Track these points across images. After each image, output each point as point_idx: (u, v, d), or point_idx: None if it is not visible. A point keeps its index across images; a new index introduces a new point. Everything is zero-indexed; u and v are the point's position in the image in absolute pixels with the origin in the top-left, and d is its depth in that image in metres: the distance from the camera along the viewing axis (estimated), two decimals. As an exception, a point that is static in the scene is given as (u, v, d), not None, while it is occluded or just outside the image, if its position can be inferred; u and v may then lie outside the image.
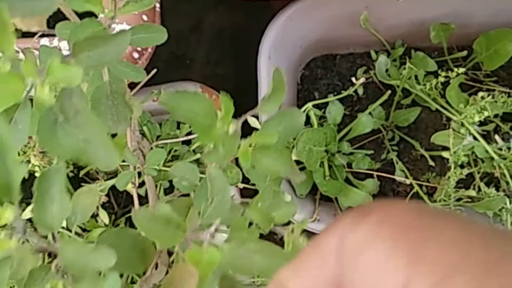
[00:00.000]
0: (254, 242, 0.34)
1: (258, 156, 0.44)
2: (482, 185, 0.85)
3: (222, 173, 0.37)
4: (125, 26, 0.75)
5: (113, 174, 0.87)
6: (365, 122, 0.91)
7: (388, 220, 0.23)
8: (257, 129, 0.47)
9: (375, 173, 0.90)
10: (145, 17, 0.75)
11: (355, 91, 0.97)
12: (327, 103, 0.95)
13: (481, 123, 0.90)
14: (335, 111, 0.92)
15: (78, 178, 0.90)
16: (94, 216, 0.84)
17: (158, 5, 0.78)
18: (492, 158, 0.84)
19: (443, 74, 0.82)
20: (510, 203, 0.81)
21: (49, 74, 0.30)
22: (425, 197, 0.87)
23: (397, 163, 0.92)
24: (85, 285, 0.31)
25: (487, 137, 0.90)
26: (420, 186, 0.92)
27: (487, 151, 0.83)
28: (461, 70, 0.81)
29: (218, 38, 1.22)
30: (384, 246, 0.22)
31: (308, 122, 0.92)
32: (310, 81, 1.03)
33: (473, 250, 0.21)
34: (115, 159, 0.36)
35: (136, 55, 0.75)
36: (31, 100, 0.33)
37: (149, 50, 0.77)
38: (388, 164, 0.97)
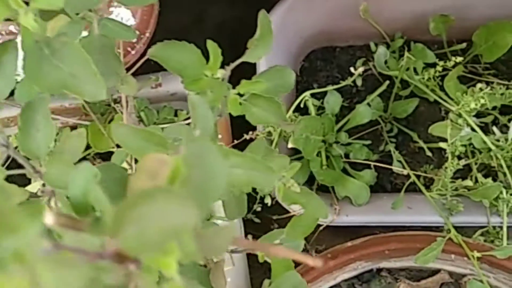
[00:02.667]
0: (235, 155, 0.34)
1: (248, 106, 0.44)
2: (479, 175, 0.85)
3: (203, 99, 0.37)
4: (125, 10, 0.75)
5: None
6: (363, 113, 0.91)
7: None
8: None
9: (372, 164, 0.90)
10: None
11: (354, 83, 0.97)
12: (325, 94, 0.95)
13: (479, 115, 0.90)
14: (333, 101, 0.92)
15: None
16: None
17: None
18: (489, 149, 0.83)
19: (441, 64, 0.82)
20: (506, 193, 0.81)
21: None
22: (423, 188, 0.87)
23: (394, 153, 0.92)
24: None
25: (485, 129, 0.90)
26: (418, 177, 0.92)
27: (484, 142, 0.83)
28: (459, 59, 0.81)
29: (219, 31, 1.22)
30: None
31: (306, 112, 0.92)
32: (310, 72, 1.03)
33: None
34: (102, 90, 0.36)
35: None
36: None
37: (147, 34, 0.77)
38: (386, 156, 0.97)
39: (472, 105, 0.76)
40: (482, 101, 0.75)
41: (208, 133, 0.35)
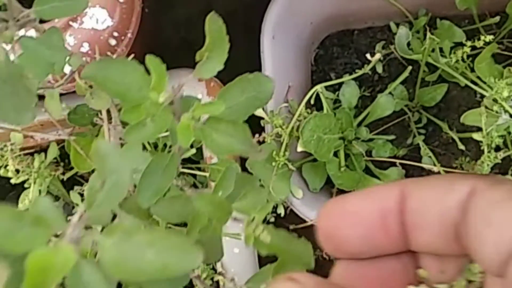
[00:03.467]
0: (144, 232, 0.25)
1: (208, 131, 0.35)
2: (521, 170, 0.74)
3: (115, 147, 0.28)
4: (99, 10, 0.67)
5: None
6: (384, 104, 0.80)
7: None
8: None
9: (398, 161, 0.79)
10: (121, -1, 0.67)
11: (374, 69, 0.86)
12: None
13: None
14: (350, 92, 0.81)
15: (72, 179, 0.83)
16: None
17: (138, -16, 0.69)
18: (532, 138, 0.72)
19: (469, 44, 0.71)
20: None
21: None
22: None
23: (424, 148, 0.81)
24: None
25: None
26: (453, 171, 0.81)
27: (526, 131, 0.71)
28: (489, 38, 0.70)
29: (230, 20, 1.12)
30: None
31: (321, 107, 0.82)
32: (326, 61, 0.92)
33: None
34: (26, 116, 0.35)
35: (113, 41, 0.67)
36: None
37: (129, 35, 0.68)
38: (416, 150, 0.86)
39: (505, 93, 0.64)
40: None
41: (121, 190, 0.27)
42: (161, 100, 0.33)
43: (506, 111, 0.72)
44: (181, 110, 0.36)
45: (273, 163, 0.75)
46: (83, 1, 0.38)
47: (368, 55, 0.80)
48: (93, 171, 0.73)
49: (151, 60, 0.33)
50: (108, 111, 0.66)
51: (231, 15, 1.14)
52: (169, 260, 0.24)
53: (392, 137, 0.84)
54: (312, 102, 0.80)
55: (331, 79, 0.90)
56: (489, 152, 0.73)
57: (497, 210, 0.26)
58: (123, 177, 0.27)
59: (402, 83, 0.84)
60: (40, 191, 0.74)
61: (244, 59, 1.10)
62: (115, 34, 0.67)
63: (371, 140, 0.83)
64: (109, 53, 0.68)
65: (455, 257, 0.29)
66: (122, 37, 0.68)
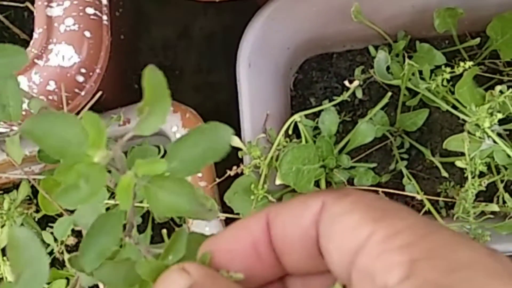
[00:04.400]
0: None
1: (153, 190, 0.33)
2: (507, 196, 0.72)
3: (32, 234, 0.26)
4: (65, 47, 0.64)
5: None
6: (365, 131, 0.78)
7: (362, 200, 0.28)
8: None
9: (380, 190, 0.77)
10: (88, 33, 0.65)
11: (354, 94, 0.85)
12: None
13: (504, 122, 0.76)
14: (329, 120, 0.79)
15: (46, 218, 0.80)
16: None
17: (105, 17, 0.67)
18: (516, 164, 0.70)
19: (448, 70, 0.69)
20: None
21: None
22: (439, 218, 0.74)
23: (406, 177, 0.79)
24: None
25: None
26: (435, 200, 0.79)
27: (509, 156, 0.69)
28: (468, 64, 0.68)
29: (208, 44, 1.10)
30: (358, 214, 0.27)
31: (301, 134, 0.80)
32: (305, 85, 0.90)
33: (418, 222, 0.27)
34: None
35: (80, 78, 0.65)
36: None
37: (97, 71, 0.66)
38: (400, 175, 0.84)
39: (486, 124, 0.62)
40: (499, 115, 0.62)
41: (41, 280, 0.24)
42: (96, 160, 0.31)
43: (489, 136, 0.71)
44: (129, 165, 0.33)
45: (252, 196, 0.72)
46: (22, 58, 0.35)
47: (346, 82, 0.78)
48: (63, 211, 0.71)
49: (88, 117, 0.31)
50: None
51: (209, 37, 1.13)
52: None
53: (374, 165, 0.82)
54: (291, 131, 0.78)
55: (311, 104, 0.88)
56: (473, 178, 0.71)
57: (337, 224, 0.28)
58: (41, 269, 0.24)
59: (383, 108, 0.82)
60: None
61: (224, 82, 1.08)
62: (83, 70, 0.65)
63: (352, 167, 0.81)
64: (77, 90, 0.66)
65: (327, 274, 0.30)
66: (90, 73, 0.66)
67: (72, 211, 0.65)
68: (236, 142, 0.76)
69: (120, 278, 0.35)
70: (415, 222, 0.27)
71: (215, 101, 1.08)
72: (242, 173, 0.75)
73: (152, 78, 0.31)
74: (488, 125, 0.63)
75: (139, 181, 0.33)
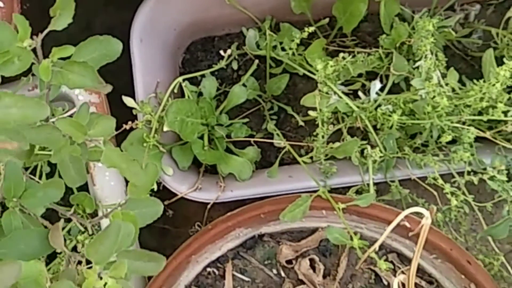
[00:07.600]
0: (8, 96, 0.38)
1: (65, 73, 0.48)
2: (348, 137, 0.91)
3: None
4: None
5: None
6: (238, 93, 0.95)
7: None
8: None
9: (252, 140, 0.94)
10: (1, 3, 0.78)
11: (233, 69, 1.02)
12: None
13: (348, 83, 0.96)
14: (209, 84, 0.96)
15: None
16: None
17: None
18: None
19: (298, 35, 0.88)
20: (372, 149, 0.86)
21: None
22: (296, 156, 0.92)
23: (275, 130, 0.97)
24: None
25: (356, 95, 0.95)
26: (299, 148, 0.97)
27: (350, 106, 0.88)
28: (311, 29, 0.87)
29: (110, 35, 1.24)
30: None
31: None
32: (192, 64, 1.07)
33: None
34: None
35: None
36: None
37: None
38: (271, 134, 1.01)
39: (329, 70, 0.81)
40: (339, 68, 0.81)
41: None
42: (24, 45, 0.45)
43: (335, 92, 0.89)
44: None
45: (145, 144, 0.87)
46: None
47: (221, 51, 0.95)
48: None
49: (18, 18, 0.46)
50: None
51: (110, 31, 1.27)
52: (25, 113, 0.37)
53: (246, 120, 0.99)
54: (178, 94, 0.93)
55: (197, 79, 1.04)
56: (323, 126, 0.89)
57: None
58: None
59: (256, 79, 1.00)
60: None
61: (124, 66, 1.22)
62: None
63: (230, 125, 0.98)
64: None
65: None
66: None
67: None
68: (130, 102, 0.91)
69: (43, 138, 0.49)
70: None
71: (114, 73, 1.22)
72: (136, 127, 0.89)
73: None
74: (331, 71, 0.81)
75: (55, 65, 0.48)
